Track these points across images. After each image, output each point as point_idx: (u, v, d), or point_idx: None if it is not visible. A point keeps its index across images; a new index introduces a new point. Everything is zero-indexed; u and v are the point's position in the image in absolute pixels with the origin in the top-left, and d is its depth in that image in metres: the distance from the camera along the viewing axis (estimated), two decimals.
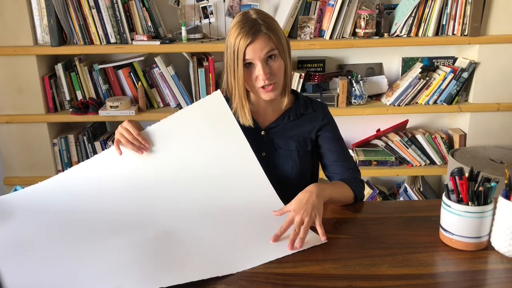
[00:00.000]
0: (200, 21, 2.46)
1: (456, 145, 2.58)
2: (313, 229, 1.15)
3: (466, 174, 1.08)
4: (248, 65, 1.32)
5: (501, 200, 1.04)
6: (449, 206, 1.07)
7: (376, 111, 2.52)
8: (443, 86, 2.49)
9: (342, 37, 2.47)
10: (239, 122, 1.38)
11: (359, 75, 2.54)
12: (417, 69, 2.50)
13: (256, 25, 1.30)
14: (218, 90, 1.41)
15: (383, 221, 1.23)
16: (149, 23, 2.45)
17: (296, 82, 2.50)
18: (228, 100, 1.43)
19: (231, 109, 1.40)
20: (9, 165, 2.57)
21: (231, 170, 1.34)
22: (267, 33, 1.30)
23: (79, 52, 2.46)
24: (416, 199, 2.65)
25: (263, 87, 1.34)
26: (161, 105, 2.58)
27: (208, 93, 2.49)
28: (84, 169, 1.36)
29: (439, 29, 2.47)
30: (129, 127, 1.33)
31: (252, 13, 1.33)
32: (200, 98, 2.47)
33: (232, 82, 1.35)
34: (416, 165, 2.60)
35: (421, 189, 2.69)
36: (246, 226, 1.19)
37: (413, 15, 2.42)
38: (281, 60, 1.34)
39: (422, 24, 2.45)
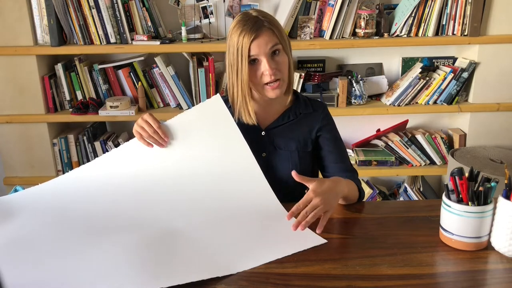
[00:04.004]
0: (200, 21, 2.46)
1: (456, 145, 2.58)
2: (313, 228, 1.15)
3: (466, 174, 1.08)
4: (252, 62, 1.32)
5: (501, 200, 1.04)
6: (449, 206, 1.07)
7: (376, 111, 2.52)
8: (443, 86, 2.49)
9: (342, 37, 2.47)
10: (239, 124, 1.37)
11: (359, 75, 2.54)
12: (417, 69, 2.50)
13: (258, 21, 1.31)
14: (218, 94, 1.41)
15: (383, 221, 1.23)
16: (149, 23, 2.45)
17: (296, 82, 2.50)
18: (227, 102, 1.43)
19: (233, 111, 1.40)
20: (9, 165, 2.57)
21: (231, 173, 1.34)
22: (270, 28, 1.31)
23: (79, 52, 2.46)
24: (416, 199, 2.65)
25: (269, 84, 1.33)
26: (161, 105, 2.58)
27: (208, 93, 2.49)
28: (84, 171, 1.36)
29: (439, 29, 2.47)
30: (150, 120, 1.34)
31: (252, 12, 1.35)
32: (200, 98, 2.48)
33: (235, 82, 1.35)
34: (416, 165, 2.60)
35: (421, 189, 2.69)
36: (246, 227, 1.19)
37: (413, 15, 2.42)
38: (285, 55, 1.35)
39: (422, 24, 2.45)
